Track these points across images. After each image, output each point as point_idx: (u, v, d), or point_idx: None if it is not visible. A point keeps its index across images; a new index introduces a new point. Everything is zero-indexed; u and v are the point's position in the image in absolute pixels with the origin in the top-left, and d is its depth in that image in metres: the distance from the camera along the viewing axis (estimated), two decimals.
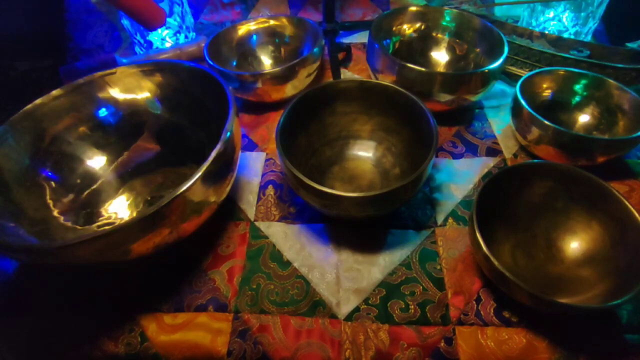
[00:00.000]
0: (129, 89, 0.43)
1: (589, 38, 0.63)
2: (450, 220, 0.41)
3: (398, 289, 0.36)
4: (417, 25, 0.58)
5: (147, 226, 0.29)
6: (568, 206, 0.37)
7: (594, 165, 0.41)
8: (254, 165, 0.47)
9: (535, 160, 0.41)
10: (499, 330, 0.33)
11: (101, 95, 0.43)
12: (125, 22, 0.63)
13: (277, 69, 0.49)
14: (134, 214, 0.42)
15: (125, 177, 0.43)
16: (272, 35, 0.60)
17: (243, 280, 0.37)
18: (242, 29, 0.59)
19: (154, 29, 0.33)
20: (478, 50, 0.54)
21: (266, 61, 0.60)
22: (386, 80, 0.47)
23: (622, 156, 0.44)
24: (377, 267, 0.37)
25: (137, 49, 0.66)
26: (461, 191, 0.44)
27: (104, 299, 0.36)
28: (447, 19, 0.57)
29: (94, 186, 0.42)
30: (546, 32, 0.59)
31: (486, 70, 0.45)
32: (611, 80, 0.46)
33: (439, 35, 0.58)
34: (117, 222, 0.41)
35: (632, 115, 0.44)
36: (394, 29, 0.58)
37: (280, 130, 0.37)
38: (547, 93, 0.49)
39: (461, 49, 0.56)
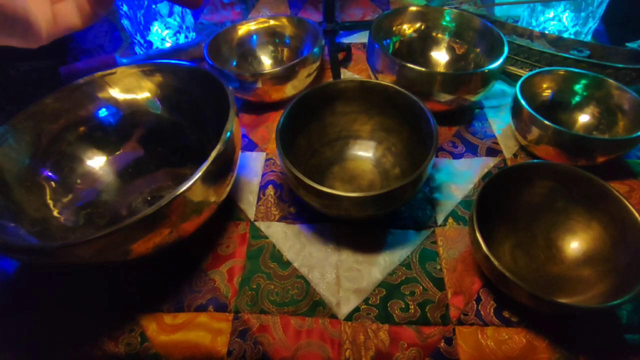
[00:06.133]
0: (129, 89, 0.43)
1: (589, 38, 0.63)
2: (450, 220, 0.41)
3: (398, 289, 0.36)
4: (417, 25, 0.58)
5: (147, 226, 0.29)
6: (568, 206, 0.37)
7: (594, 165, 0.41)
8: (254, 165, 0.47)
9: (535, 160, 0.41)
10: (499, 330, 0.33)
11: (101, 95, 0.43)
12: (126, 22, 0.63)
13: (277, 69, 0.49)
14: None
15: (125, 177, 0.43)
16: (272, 35, 0.60)
17: (243, 280, 0.37)
18: (242, 29, 0.59)
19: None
20: (478, 50, 0.54)
21: (266, 61, 0.60)
22: (386, 80, 0.47)
23: (622, 156, 0.44)
24: (377, 267, 0.37)
25: (137, 49, 0.66)
26: (461, 191, 0.44)
27: (104, 299, 0.36)
28: (447, 19, 0.57)
29: (94, 186, 0.42)
30: (546, 32, 0.59)
31: (486, 70, 0.45)
32: (611, 80, 0.46)
33: (439, 35, 0.58)
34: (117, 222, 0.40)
35: (632, 115, 0.44)
36: (394, 29, 0.58)
37: (280, 130, 0.37)
38: (547, 93, 0.49)
39: (461, 49, 0.56)
